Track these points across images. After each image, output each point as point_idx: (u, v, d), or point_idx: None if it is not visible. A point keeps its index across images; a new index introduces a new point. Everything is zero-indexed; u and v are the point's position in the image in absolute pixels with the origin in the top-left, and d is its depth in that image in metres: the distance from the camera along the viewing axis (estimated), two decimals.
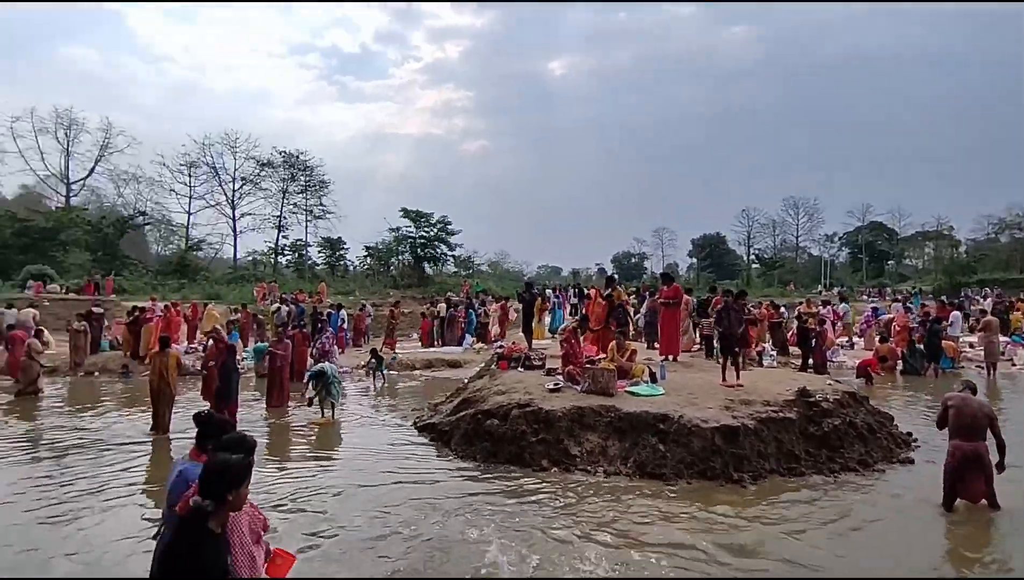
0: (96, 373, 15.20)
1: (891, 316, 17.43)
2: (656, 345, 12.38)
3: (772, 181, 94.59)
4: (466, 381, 11.09)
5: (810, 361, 13.69)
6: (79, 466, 7.41)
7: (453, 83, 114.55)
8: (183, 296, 27.08)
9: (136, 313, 16.61)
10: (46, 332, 16.54)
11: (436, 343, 19.55)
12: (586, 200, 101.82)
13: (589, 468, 6.97)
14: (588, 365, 8.68)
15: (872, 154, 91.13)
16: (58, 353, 16.19)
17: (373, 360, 14.03)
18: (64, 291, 26.01)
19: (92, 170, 44.24)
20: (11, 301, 20.02)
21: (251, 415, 10.31)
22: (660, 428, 7.11)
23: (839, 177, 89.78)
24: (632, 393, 8.16)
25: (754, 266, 61.66)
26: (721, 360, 8.98)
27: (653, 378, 8.83)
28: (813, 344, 13.83)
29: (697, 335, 13.21)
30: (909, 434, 8.38)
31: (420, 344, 19.97)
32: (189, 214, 44.98)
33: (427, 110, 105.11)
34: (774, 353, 13.18)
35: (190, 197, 44.44)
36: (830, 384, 8.93)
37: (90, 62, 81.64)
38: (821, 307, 17.97)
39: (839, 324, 18.24)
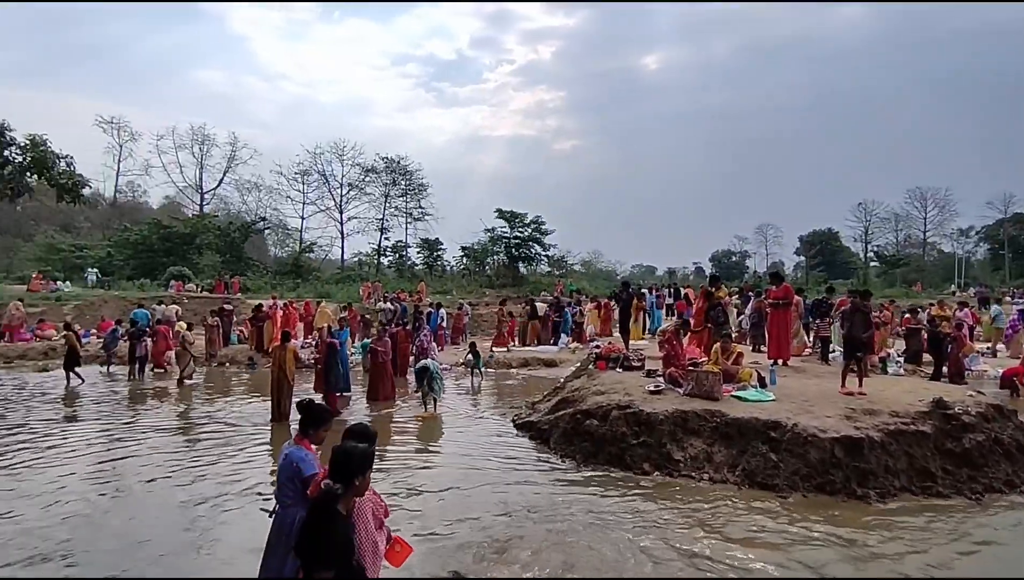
0: (227, 364, 16.81)
1: None
2: (762, 348, 11.72)
3: (892, 171, 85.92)
4: (563, 380, 11.10)
5: (944, 369, 12.33)
6: (214, 448, 8.22)
7: (546, 84, 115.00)
8: (298, 294, 29.31)
9: (259, 310, 18.20)
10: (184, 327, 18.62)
11: (531, 342, 19.71)
12: (682, 197, 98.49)
13: (693, 474, 6.73)
14: (691, 367, 8.38)
15: (1014, 137, 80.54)
16: (195, 345, 18.09)
17: (471, 356, 14.40)
18: (199, 290, 29.10)
19: (221, 180, 49.27)
20: (160, 298, 22.64)
21: (353, 408, 10.92)
22: (771, 436, 6.72)
23: (974, 164, 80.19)
24: (739, 398, 7.78)
25: (873, 264, 56.49)
26: (843, 365, 8.32)
27: (762, 383, 8.37)
28: (948, 351, 12.45)
29: (810, 338, 12.36)
30: None
31: (515, 343, 20.21)
32: (303, 218, 48.75)
33: (520, 112, 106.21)
34: (900, 360, 12.00)
35: (303, 203, 48.16)
36: (971, 395, 8.01)
37: (218, 83, 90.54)
38: (957, 309, 16.13)
39: (978, 328, 16.30)
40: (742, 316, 14.99)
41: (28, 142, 7.05)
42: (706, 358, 9.33)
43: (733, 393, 7.95)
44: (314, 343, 16.89)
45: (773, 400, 7.67)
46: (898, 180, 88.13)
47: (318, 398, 10.91)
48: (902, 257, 54.72)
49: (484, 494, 6.28)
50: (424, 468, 7.39)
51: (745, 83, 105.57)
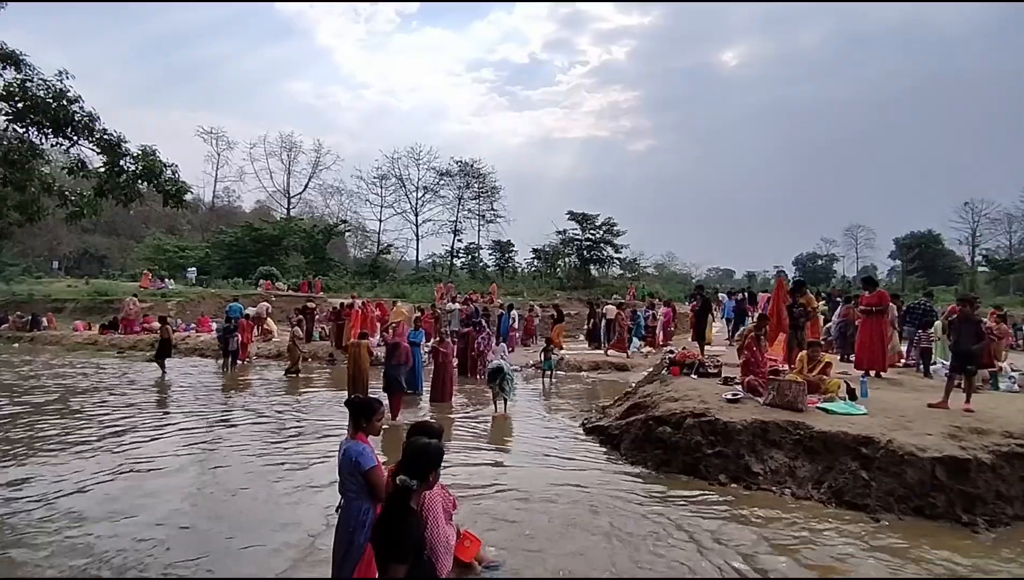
0: (309, 359, 17.71)
1: None
2: (850, 358, 10.98)
3: (1005, 167, 77.94)
4: (634, 385, 10.87)
5: None
6: (293, 439, 8.68)
7: (620, 84, 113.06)
8: (375, 294, 30.47)
9: (341, 309, 19.06)
10: (271, 321, 19.94)
11: (602, 346, 19.46)
12: (764, 197, 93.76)
13: (774, 489, 6.39)
14: (772, 376, 7.97)
15: None
16: (282, 341, 19.25)
17: (542, 354, 14.40)
18: (286, 289, 30.90)
19: (306, 185, 52.25)
20: (249, 296, 24.24)
21: (415, 408, 11.10)
22: (862, 452, 6.27)
23: None
24: (826, 410, 7.31)
25: (981, 269, 51.58)
26: (948, 379, 7.65)
27: (852, 395, 7.83)
28: None
29: (909, 348, 11.45)
30: None
31: (587, 345, 20.03)
32: (380, 221, 50.75)
33: (593, 113, 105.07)
34: (1015, 375, 10.85)
35: (381, 206, 50.15)
36: None
37: (306, 94, 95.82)
38: None
39: None
40: (829, 323, 14.10)
41: (140, 152, 7.83)
42: (787, 367, 8.86)
43: (819, 405, 7.48)
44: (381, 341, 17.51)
45: (864, 414, 7.15)
46: (1011, 177, 79.53)
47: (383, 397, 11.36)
48: (1016, 262, 49.57)
49: (548, 495, 6.25)
50: (492, 466, 7.45)
51: (835, 74, 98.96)
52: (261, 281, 32.90)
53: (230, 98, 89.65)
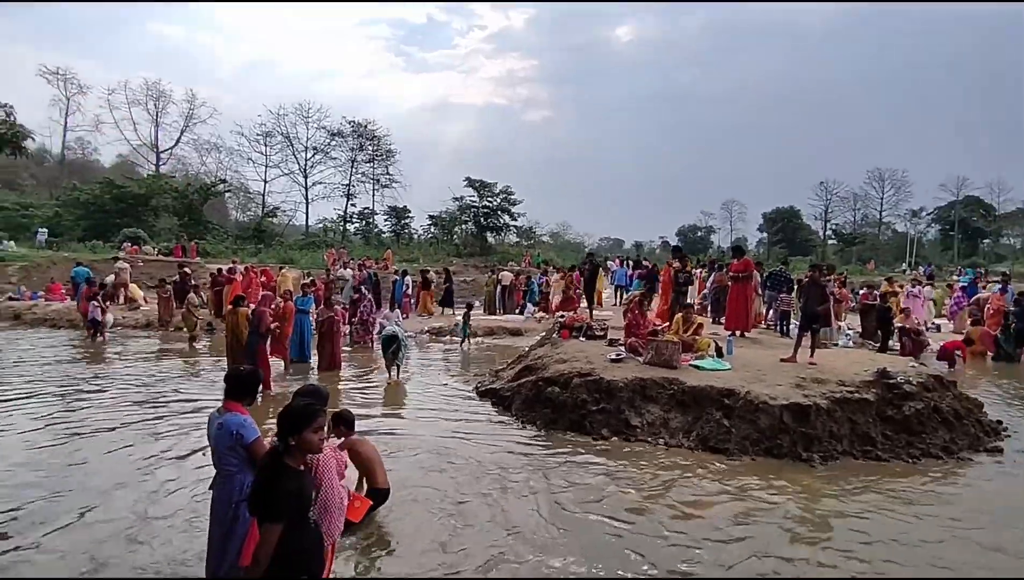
0: (183, 329, 16.36)
1: (986, 295, 16.09)
2: (722, 320, 12.05)
3: (855, 154, 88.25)
4: (527, 349, 11.20)
5: (889, 342, 12.92)
6: (168, 417, 8.08)
7: (518, 52, 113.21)
8: (260, 260, 28.61)
9: (219, 275, 17.71)
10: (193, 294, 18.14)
11: (497, 312, 19.81)
12: (651, 172, 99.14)
13: (650, 439, 6.94)
14: (651, 337, 8.56)
15: (970, 122, 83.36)
16: (151, 309, 17.60)
17: (461, 322, 14.59)
18: (155, 253, 28.05)
19: (178, 140, 47.30)
20: (111, 261, 21.80)
21: (304, 375, 10.81)
22: (725, 403, 6.97)
23: (930, 149, 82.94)
24: (697, 367, 8.01)
25: (831, 242, 58.36)
26: (797, 337, 8.64)
27: (719, 353, 8.62)
28: (894, 327, 13.03)
29: (770, 312, 12.75)
30: (999, 422, 7.81)
31: (483, 311, 20.28)
32: (265, 182, 47.31)
33: (491, 80, 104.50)
34: (850, 333, 12.49)
35: (266, 166, 46.72)
36: (913, 366, 8.43)
37: (175, 39, 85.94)
38: (908, 286, 16.82)
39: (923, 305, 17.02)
40: (704, 289, 15.30)
41: None
42: (667, 326, 9.54)
43: (691, 362, 8.17)
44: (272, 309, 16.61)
45: (729, 369, 7.92)
46: (859, 161, 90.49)
47: (278, 363, 10.85)
48: (858, 235, 56.67)
49: (439, 454, 6.36)
50: (389, 434, 7.40)
51: (717, 62, 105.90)
52: (125, 244, 29.61)
53: (82, 34, 78.32)
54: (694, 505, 5.23)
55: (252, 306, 10.57)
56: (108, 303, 15.64)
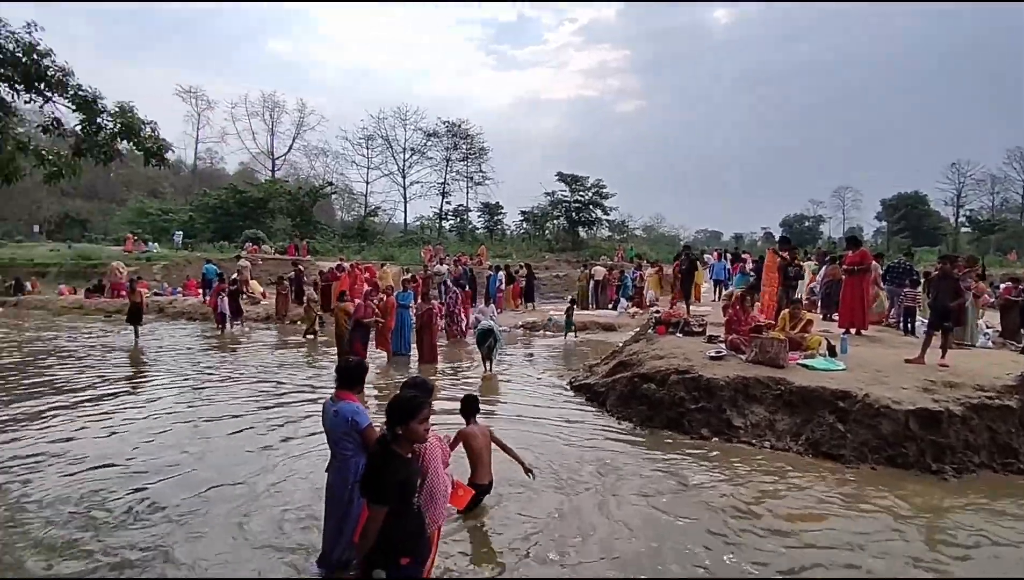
0: (298, 322, 17.70)
1: None
2: (834, 317, 11.19)
3: (992, 131, 77.96)
4: (621, 344, 11.03)
5: None
6: (286, 404, 8.78)
7: (609, 43, 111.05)
8: (363, 257, 30.29)
9: (328, 272, 19.01)
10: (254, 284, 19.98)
11: (590, 307, 19.65)
12: (751, 159, 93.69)
13: (754, 441, 6.61)
14: (754, 334, 8.13)
15: None
16: (270, 303, 19.21)
17: (565, 317, 14.95)
18: (272, 252, 30.60)
19: (291, 146, 51.19)
20: (234, 259, 24.11)
21: (405, 369, 11.22)
22: (840, 406, 6.48)
23: None
24: (806, 366, 7.51)
25: (964, 230, 52.22)
26: (926, 336, 7.85)
27: (832, 351, 8.03)
28: None
29: (890, 306, 11.68)
30: None
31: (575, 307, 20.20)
32: (367, 183, 50.03)
33: (581, 72, 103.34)
34: (989, 331, 11.13)
35: (368, 168, 49.35)
36: None
37: (287, 53, 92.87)
38: None
39: None
40: (814, 283, 14.28)
41: (117, 109, 7.62)
42: (767, 321, 9.02)
43: (800, 361, 7.68)
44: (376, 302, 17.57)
45: (843, 369, 7.35)
46: (996, 140, 79.84)
47: (381, 356, 11.46)
48: (997, 222, 50.21)
49: (535, 449, 6.42)
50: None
51: (825, 36, 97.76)
52: (247, 244, 32.54)
53: (209, 56, 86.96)
54: (799, 518, 4.88)
55: (355, 301, 11.27)
56: (243, 296, 17.32)
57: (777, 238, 13.48)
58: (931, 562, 4.17)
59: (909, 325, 10.81)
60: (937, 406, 6.14)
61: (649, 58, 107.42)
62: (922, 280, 11.34)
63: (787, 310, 8.81)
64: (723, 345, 8.46)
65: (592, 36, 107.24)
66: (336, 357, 10.51)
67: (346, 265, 20.35)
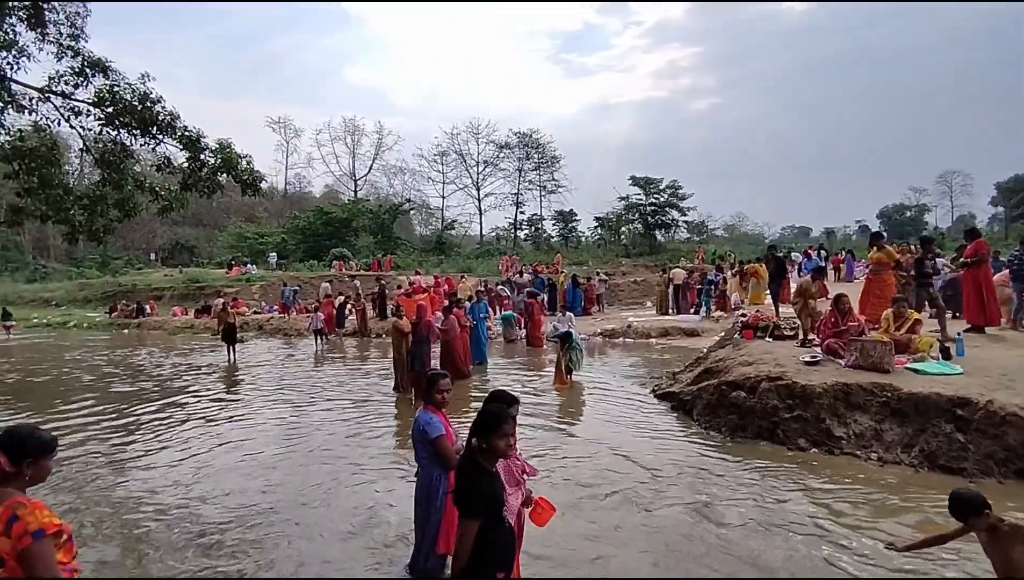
0: (384, 335, 18.43)
1: None
2: (959, 315, 10.18)
3: None
4: (705, 350, 10.63)
5: None
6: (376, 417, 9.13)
7: (678, 42, 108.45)
8: (442, 270, 31.15)
9: (410, 288, 19.70)
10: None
11: (671, 311, 19.10)
12: (841, 147, 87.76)
13: (859, 453, 6.14)
14: (853, 337, 7.56)
15: None
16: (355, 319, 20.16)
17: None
18: (358, 268, 32.17)
19: (371, 167, 53.75)
20: (329, 277, 25.57)
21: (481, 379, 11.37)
22: (958, 414, 5.89)
23: None
24: (916, 370, 6.88)
25: None
26: None
27: (946, 354, 7.32)
28: None
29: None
30: None
31: (655, 312, 19.72)
32: (443, 198, 51.58)
33: (650, 74, 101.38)
34: None
35: (443, 182, 50.93)
36: None
37: (365, 79, 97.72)
38: None
39: None
40: (937, 278, 13.03)
41: (218, 145, 8.40)
42: (866, 321, 8.34)
43: (908, 365, 7.06)
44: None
45: (960, 374, 6.68)
46: None
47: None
48: None
49: (621, 459, 6.29)
50: (570, 437, 7.54)
51: (915, 10, 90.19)
52: (334, 262, 34.38)
53: (294, 88, 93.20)
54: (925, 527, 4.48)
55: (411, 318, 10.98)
56: (349, 311, 18.25)
57: (871, 232, 12.21)
58: None
59: None
60: None
61: (722, 53, 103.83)
62: None
63: (890, 310, 8.13)
64: (819, 349, 7.94)
65: (659, 37, 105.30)
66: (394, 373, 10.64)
67: (415, 278, 21.05)
